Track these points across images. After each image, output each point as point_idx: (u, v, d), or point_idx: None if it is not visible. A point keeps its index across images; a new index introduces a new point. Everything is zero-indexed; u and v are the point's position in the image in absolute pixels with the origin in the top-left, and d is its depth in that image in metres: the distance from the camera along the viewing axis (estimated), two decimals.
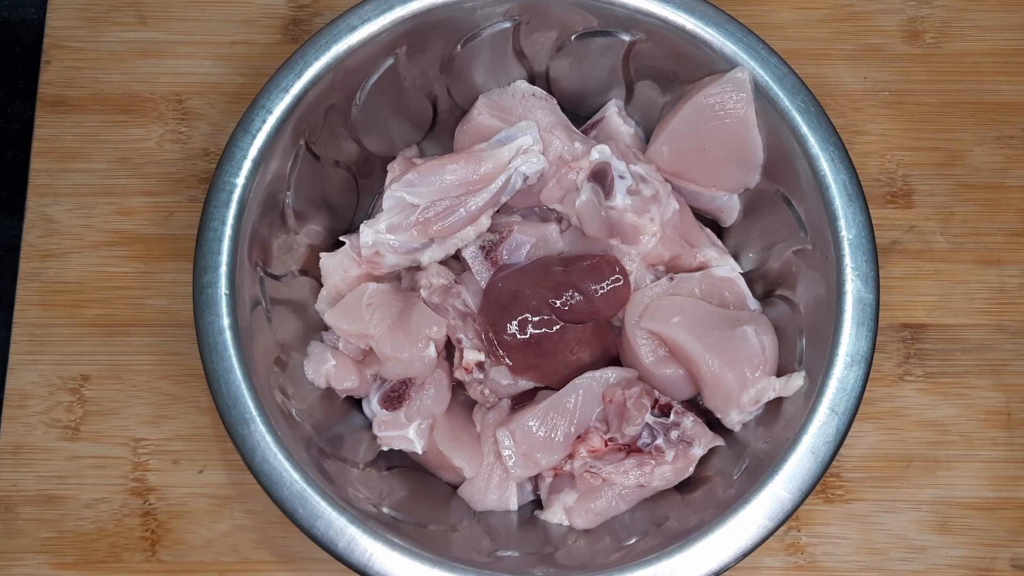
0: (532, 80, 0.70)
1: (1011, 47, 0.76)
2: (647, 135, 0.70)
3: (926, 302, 0.72)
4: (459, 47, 0.66)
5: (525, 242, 0.67)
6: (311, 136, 0.64)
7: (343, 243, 0.66)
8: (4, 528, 0.69)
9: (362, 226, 0.64)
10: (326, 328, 0.67)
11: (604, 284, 0.65)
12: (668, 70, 0.66)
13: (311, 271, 0.67)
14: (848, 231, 0.60)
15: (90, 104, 0.75)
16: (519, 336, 0.64)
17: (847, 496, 0.70)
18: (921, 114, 0.75)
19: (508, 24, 0.66)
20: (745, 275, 0.68)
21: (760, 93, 0.63)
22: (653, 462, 0.62)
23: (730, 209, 0.69)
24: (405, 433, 0.65)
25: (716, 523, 0.57)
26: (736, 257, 0.69)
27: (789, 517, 0.58)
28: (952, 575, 0.68)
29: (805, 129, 0.62)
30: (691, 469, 0.63)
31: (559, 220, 0.69)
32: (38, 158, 0.74)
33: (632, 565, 0.57)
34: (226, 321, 0.59)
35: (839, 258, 0.60)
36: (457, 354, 0.65)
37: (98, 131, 0.75)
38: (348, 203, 0.70)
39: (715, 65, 0.64)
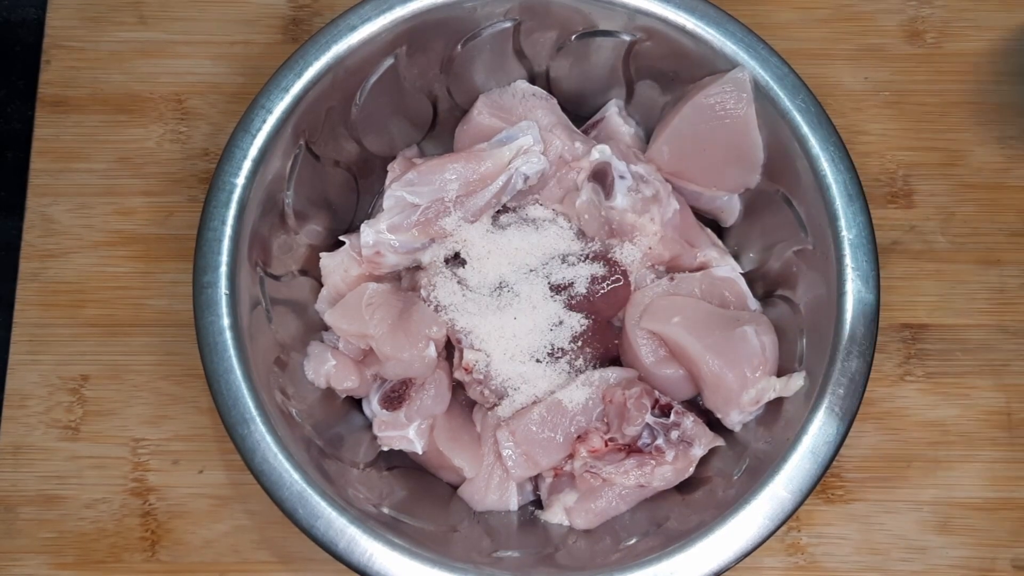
0: (532, 80, 0.70)
1: (1011, 47, 0.76)
2: (647, 135, 0.70)
3: (927, 302, 0.72)
4: (459, 47, 0.66)
5: None
6: (311, 136, 0.64)
7: (343, 243, 0.66)
8: (4, 528, 0.68)
9: (363, 226, 0.64)
10: (326, 328, 0.67)
11: (604, 284, 0.65)
12: (668, 70, 0.66)
13: (311, 271, 0.67)
14: (849, 231, 0.60)
15: (90, 104, 0.75)
16: None
17: (847, 496, 0.70)
18: (921, 114, 0.75)
19: (508, 24, 0.66)
20: (745, 275, 0.68)
21: (760, 93, 0.63)
22: (653, 462, 0.62)
23: (730, 209, 0.69)
24: (405, 433, 0.65)
25: (716, 523, 0.57)
26: (736, 257, 0.69)
27: (789, 517, 0.58)
28: (953, 575, 0.68)
29: (805, 129, 0.62)
30: (691, 469, 0.63)
31: None
32: (38, 158, 0.74)
33: (632, 565, 0.57)
34: (226, 321, 0.59)
35: (839, 258, 0.60)
36: (457, 354, 0.65)
37: (98, 131, 0.75)
38: (348, 203, 0.70)
39: (715, 65, 0.64)
